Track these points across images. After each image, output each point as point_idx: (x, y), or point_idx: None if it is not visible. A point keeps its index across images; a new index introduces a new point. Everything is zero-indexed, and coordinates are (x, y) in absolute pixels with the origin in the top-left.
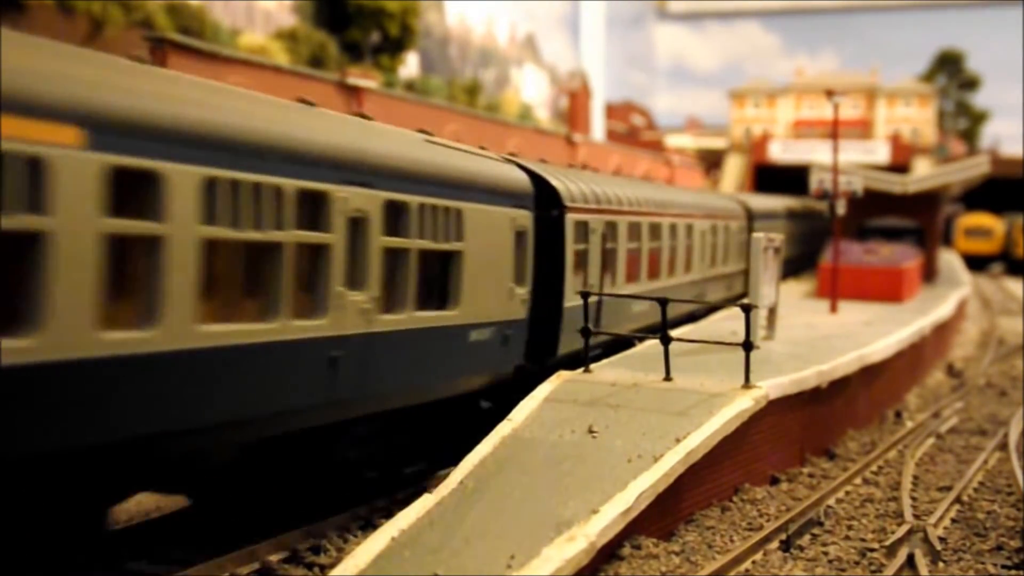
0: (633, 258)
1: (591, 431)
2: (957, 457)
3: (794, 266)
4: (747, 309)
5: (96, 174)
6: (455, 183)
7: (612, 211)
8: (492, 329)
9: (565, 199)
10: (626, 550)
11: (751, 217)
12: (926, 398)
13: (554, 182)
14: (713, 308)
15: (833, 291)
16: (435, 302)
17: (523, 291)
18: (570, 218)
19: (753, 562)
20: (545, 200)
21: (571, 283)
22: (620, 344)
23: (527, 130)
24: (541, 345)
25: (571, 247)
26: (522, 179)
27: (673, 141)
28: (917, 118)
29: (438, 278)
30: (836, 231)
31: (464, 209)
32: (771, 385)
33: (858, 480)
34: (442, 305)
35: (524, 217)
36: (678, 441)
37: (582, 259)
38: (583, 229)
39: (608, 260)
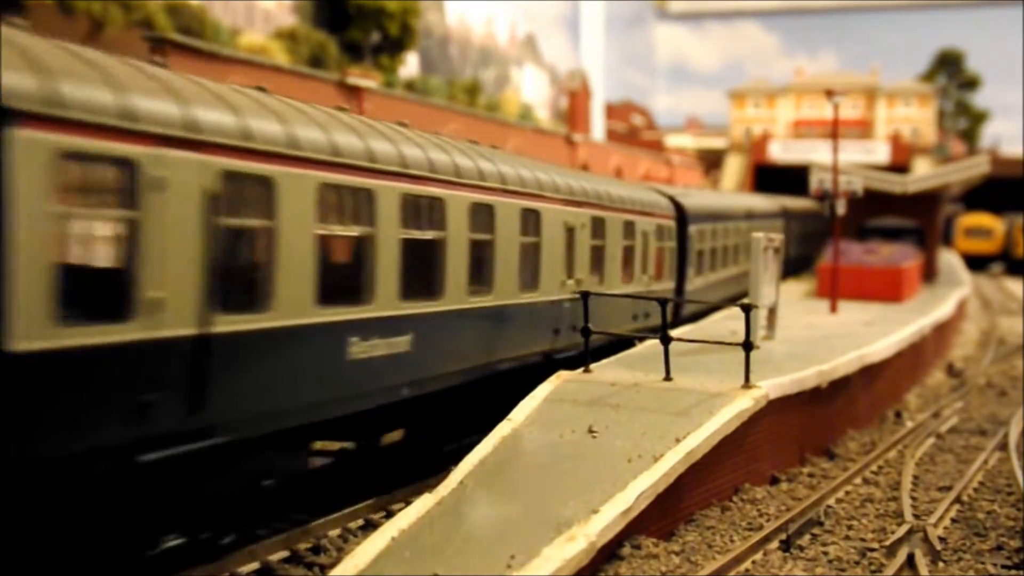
0: (340, 254)
1: (591, 431)
2: (957, 457)
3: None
4: (747, 309)
5: None
6: None
7: (229, 151)
8: None
9: None
10: (626, 550)
11: (684, 218)
12: (926, 398)
13: None
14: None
15: (833, 291)
16: None
17: None
18: None
19: (753, 562)
20: None
21: None
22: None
23: (527, 130)
24: None
25: None
26: None
27: (673, 141)
28: (917, 118)
29: None
30: (836, 231)
31: None
32: (771, 385)
33: (858, 480)
34: None
35: None
36: (678, 441)
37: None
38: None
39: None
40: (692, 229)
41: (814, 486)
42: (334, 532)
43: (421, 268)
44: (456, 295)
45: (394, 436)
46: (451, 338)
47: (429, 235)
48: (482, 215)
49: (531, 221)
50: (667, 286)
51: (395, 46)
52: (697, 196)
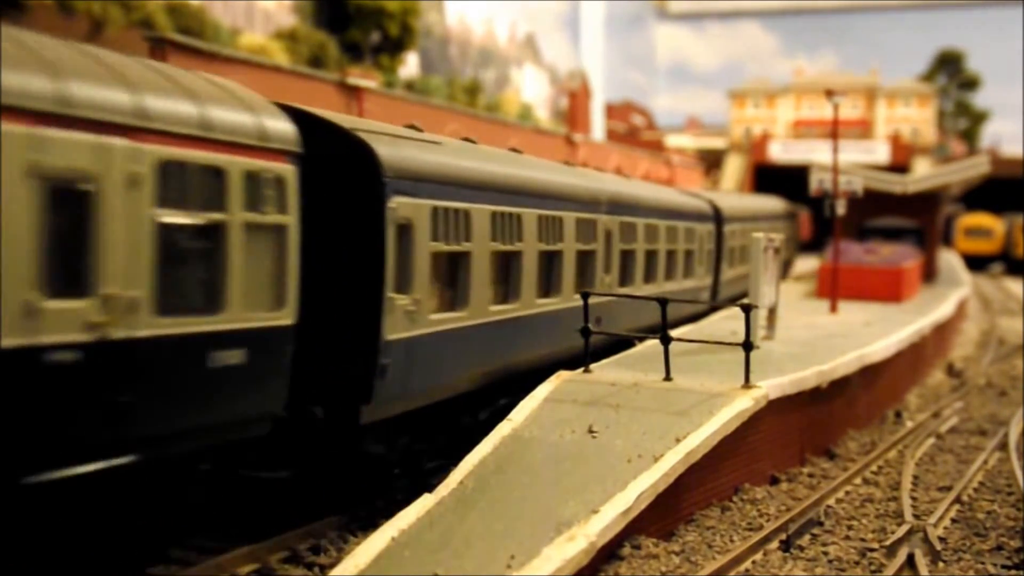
0: None
1: (591, 431)
2: (957, 457)
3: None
4: (747, 309)
5: None
6: None
7: None
8: None
9: None
10: (626, 550)
11: (379, 181)
12: (926, 398)
13: None
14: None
15: (833, 291)
16: None
17: None
18: None
19: (753, 562)
20: None
21: None
22: None
23: (527, 130)
24: None
25: None
26: None
27: (673, 141)
28: (917, 118)
29: None
30: (836, 231)
31: None
32: (771, 385)
33: (858, 480)
34: None
35: None
36: (678, 441)
37: None
38: None
39: None
40: (397, 203)
41: (814, 486)
42: (334, 532)
43: None
44: None
45: None
46: None
47: None
48: None
49: None
50: (277, 320)
51: (395, 46)
52: (448, 148)
